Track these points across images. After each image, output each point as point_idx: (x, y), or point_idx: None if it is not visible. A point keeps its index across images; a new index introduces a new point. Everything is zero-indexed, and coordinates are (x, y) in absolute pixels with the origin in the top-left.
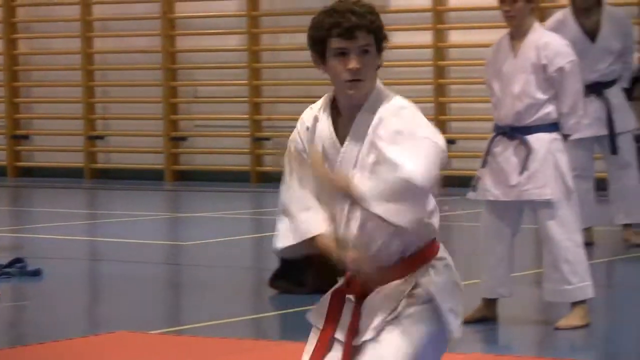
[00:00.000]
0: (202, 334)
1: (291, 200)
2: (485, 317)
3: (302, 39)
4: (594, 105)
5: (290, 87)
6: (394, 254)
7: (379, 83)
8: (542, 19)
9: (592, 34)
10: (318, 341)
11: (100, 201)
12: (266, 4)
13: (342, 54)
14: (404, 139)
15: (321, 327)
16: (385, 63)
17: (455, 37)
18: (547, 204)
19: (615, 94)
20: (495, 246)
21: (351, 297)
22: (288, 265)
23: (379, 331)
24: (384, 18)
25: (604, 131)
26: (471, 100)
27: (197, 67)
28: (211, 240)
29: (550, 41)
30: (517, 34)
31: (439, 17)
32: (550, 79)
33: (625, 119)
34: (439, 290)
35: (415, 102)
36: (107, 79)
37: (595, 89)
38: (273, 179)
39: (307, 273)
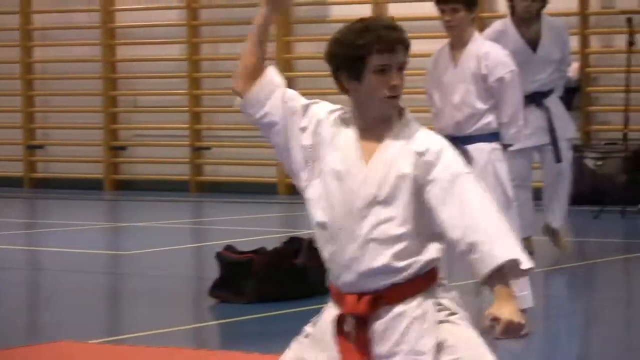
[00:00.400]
0: (143, 344)
1: None
2: None
3: (241, 48)
4: (535, 115)
5: (230, 96)
6: (394, 274)
7: None
8: (482, 29)
9: (533, 43)
10: None
11: (40, 211)
12: (206, 14)
13: (382, 70)
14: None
15: None
16: (325, 73)
17: None
18: None
19: (555, 103)
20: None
21: (348, 327)
22: (228, 275)
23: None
24: (322, 28)
25: (544, 140)
26: (412, 110)
27: (137, 77)
28: (151, 250)
29: (490, 51)
30: (458, 44)
31: None
32: (490, 89)
33: (565, 128)
34: (455, 307)
35: None
36: (47, 88)
37: (535, 98)
38: (212, 189)
39: (247, 282)
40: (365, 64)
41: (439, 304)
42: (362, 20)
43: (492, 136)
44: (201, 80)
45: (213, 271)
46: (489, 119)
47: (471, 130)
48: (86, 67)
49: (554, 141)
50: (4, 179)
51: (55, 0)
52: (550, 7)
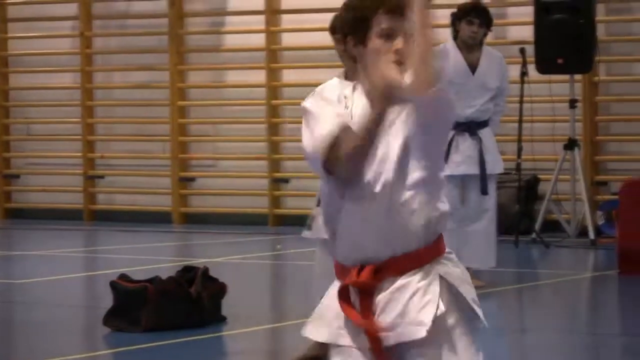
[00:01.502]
0: None
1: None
2: (317, 357)
3: (135, 77)
4: (467, 144)
5: (124, 125)
6: (412, 239)
7: None
8: None
9: (472, 67)
10: (373, 342)
11: None
12: (99, 42)
13: (388, 34)
14: None
15: (341, 340)
16: (219, 102)
17: (289, 76)
18: None
19: (488, 136)
20: (328, 285)
21: (354, 298)
22: (123, 304)
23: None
24: (217, 57)
25: (473, 170)
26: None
27: (30, 105)
28: (44, 279)
29: None
30: (352, 74)
31: (273, 56)
32: None
33: (494, 162)
34: (461, 282)
35: (250, 140)
36: None
37: (470, 127)
38: (106, 217)
39: (141, 311)
40: (370, 25)
41: (446, 280)
42: None
43: None
44: (95, 108)
45: (107, 300)
46: None
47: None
48: None
49: (482, 173)
50: None
51: None
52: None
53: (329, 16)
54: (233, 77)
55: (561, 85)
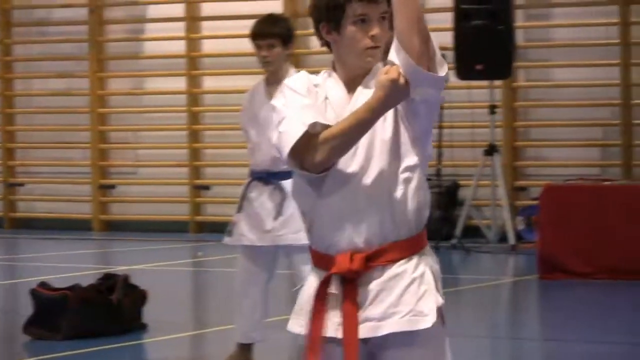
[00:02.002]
0: None
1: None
2: None
3: (56, 84)
4: None
5: (44, 132)
6: (404, 226)
7: None
8: (297, 65)
9: None
10: (308, 348)
11: None
12: (19, 50)
13: (362, 20)
14: None
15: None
16: (139, 109)
17: (209, 83)
18: (302, 249)
19: None
20: (250, 291)
21: (334, 289)
22: (43, 311)
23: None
24: (137, 64)
25: None
26: (226, 146)
27: None
28: None
29: None
30: (273, 80)
31: (193, 63)
32: None
33: None
34: (438, 277)
35: (170, 148)
36: None
37: None
38: (26, 225)
39: (62, 319)
40: (344, 12)
41: (432, 272)
42: None
43: None
44: (14, 116)
45: (27, 308)
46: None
47: (287, 166)
48: None
49: None
50: None
51: None
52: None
53: (249, 23)
54: (153, 84)
55: (481, 91)
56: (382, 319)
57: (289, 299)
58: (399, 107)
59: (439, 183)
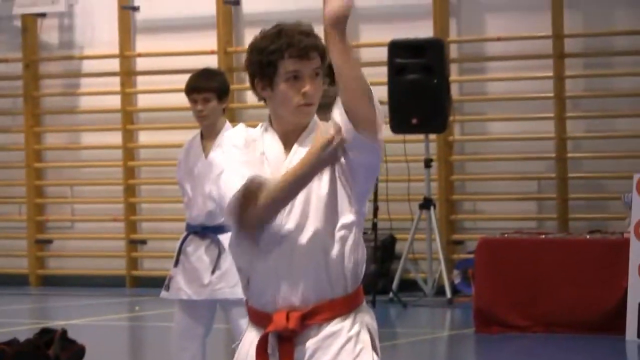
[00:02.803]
0: None
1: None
2: None
3: None
4: None
5: (6, 187)
6: (340, 284)
7: None
8: (232, 119)
9: None
10: None
11: None
12: None
13: (295, 77)
14: None
15: None
16: (75, 163)
17: (145, 137)
18: (239, 303)
19: None
20: (187, 345)
21: (270, 349)
22: None
23: None
24: (73, 119)
25: None
26: (162, 200)
27: None
28: None
29: None
30: (209, 134)
31: (128, 118)
32: None
33: None
34: (375, 334)
35: (107, 202)
36: None
37: None
38: None
39: None
40: (276, 69)
41: (368, 330)
42: (277, 25)
43: None
44: None
45: None
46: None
47: (223, 219)
48: None
49: None
50: None
51: None
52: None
53: (185, 77)
54: (89, 138)
55: (416, 145)
56: None
57: (227, 354)
58: (337, 165)
59: (375, 237)
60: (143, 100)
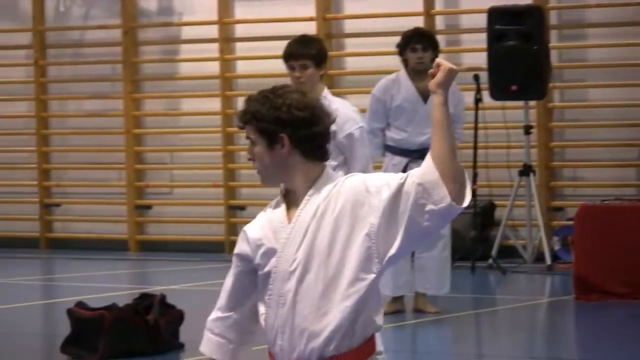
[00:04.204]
0: None
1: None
2: None
3: (90, 105)
4: None
5: (79, 153)
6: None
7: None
8: (330, 86)
9: (424, 95)
10: None
11: None
12: (54, 71)
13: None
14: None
15: None
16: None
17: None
18: None
19: None
20: None
21: None
22: (80, 331)
23: None
24: (172, 85)
25: None
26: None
27: None
28: (1, 307)
29: (339, 108)
30: None
31: (227, 84)
32: (339, 145)
33: None
34: None
35: (206, 168)
36: None
37: (423, 154)
38: (63, 245)
39: (98, 339)
40: None
41: None
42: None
43: None
44: (49, 137)
45: (64, 328)
46: (339, 175)
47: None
48: None
49: None
50: None
51: None
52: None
53: (283, 44)
54: (188, 104)
55: (516, 112)
56: None
57: None
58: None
59: (475, 203)
60: (242, 67)
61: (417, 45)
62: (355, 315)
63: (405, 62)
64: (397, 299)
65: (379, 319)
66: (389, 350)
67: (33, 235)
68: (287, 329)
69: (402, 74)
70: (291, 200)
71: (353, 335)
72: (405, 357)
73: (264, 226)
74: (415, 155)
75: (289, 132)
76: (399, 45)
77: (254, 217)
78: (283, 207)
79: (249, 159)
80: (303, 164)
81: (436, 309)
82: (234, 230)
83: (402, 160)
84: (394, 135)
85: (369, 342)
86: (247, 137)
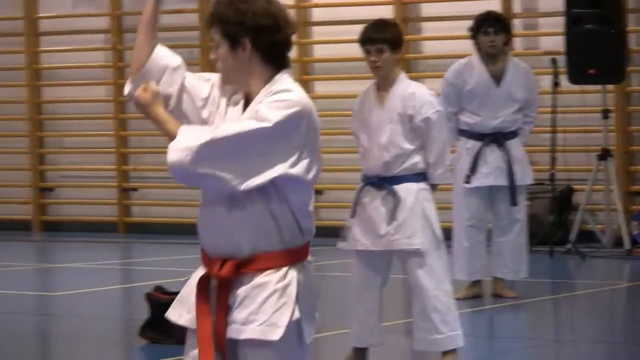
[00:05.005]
0: None
1: None
2: None
3: None
4: (494, 155)
5: (157, 137)
6: (274, 240)
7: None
8: (407, 70)
9: (497, 79)
10: (199, 341)
11: None
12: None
13: None
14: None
15: (191, 325)
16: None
17: (320, 88)
18: (416, 254)
19: (516, 146)
20: (365, 296)
21: (213, 286)
22: (158, 316)
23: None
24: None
25: (501, 182)
26: (338, 150)
27: (64, 118)
28: (80, 291)
29: (416, 92)
30: (384, 85)
31: (304, 68)
32: (416, 129)
33: (523, 173)
34: (305, 292)
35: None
36: None
37: (497, 137)
38: (140, 230)
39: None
40: None
41: (298, 286)
42: None
43: (419, 176)
44: (128, 121)
45: (143, 312)
46: (416, 159)
47: (398, 170)
48: (12, 108)
49: (511, 184)
50: None
51: None
52: (469, 50)
53: (360, 28)
54: None
55: (594, 96)
56: (244, 323)
57: (404, 304)
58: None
59: (553, 188)
60: (319, 51)
61: (489, 28)
62: (281, 214)
63: (478, 46)
64: (475, 284)
65: None
66: (467, 335)
67: (111, 220)
68: (219, 223)
69: (475, 57)
70: (248, 101)
71: (280, 235)
72: (484, 341)
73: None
74: (489, 138)
75: (252, 38)
76: (471, 29)
77: (331, 201)
78: (241, 104)
79: (213, 59)
80: (262, 69)
81: (515, 294)
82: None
83: (475, 144)
84: (467, 119)
85: (299, 249)
86: (212, 39)
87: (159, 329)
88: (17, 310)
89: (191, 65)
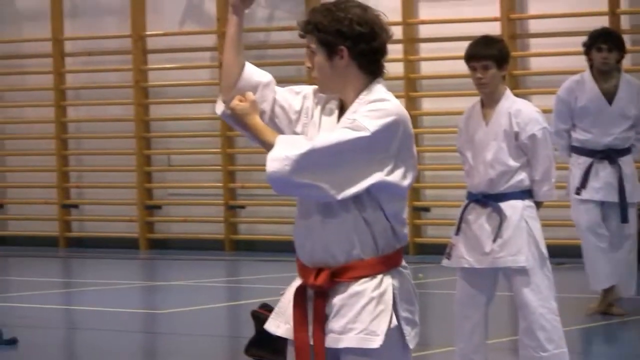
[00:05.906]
0: None
1: None
2: None
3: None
4: (606, 171)
5: (264, 155)
6: (368, 248)
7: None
8: (513, 86)
9: (609, 96)
10: (296, 351)
11: (74, 270)
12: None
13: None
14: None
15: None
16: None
17: (427, 104)
18: (521, 271)
19: (628, 163)
20: (470, 313)
21: (310, 296)
22: (264, 333)
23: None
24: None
25: (612, 198)
26: (444, 167)
27: (171, 136)
28: (187, 309)
29: (521, 108)
30: (489, 102)
31: (411, 85)
32: (522, 146)
33: (634, 190)
34: (406, 300)
35: None
36: (81, 147)
37: (609, 155)
38: (247, 247)
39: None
40: None
41: (394, 293)
42: None
43: (524, 193)
44: (234, 139)
45: (249, 330)
46: (521, 176)
47: (504, 188)
48: (119, 126)
49: (622, 201)
50: (39, 239)
51: (87, 60)
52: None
53: (466, 44)
54: None
55: None
56: (341, 332)
57: (510, 322)
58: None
59: None
60: (425, 68)
61: (603, 45)
62: (374, 223)
63: (591, 62)
64: (608, 292)
65: None
66: (574, 352)
67: (218, 237)
68: (314, 233)
69: (587, 74)
70: (343, 109)
71: (375, 243)
72: (591, 359)
73: None
74: (600, 155)
75: (349, 45)
76: (585, 45)
77: (438, 218)
78: (336, 113)
79: (308, 67)
80: (358, 76)
81: (623, 311)
82: (418, 231)
83: (586, 160)
84: (579, 136)
85: (392, 255)
86: (308, 47)
87: (264, 347)
88: (124, 328)
89: (299, 82)
